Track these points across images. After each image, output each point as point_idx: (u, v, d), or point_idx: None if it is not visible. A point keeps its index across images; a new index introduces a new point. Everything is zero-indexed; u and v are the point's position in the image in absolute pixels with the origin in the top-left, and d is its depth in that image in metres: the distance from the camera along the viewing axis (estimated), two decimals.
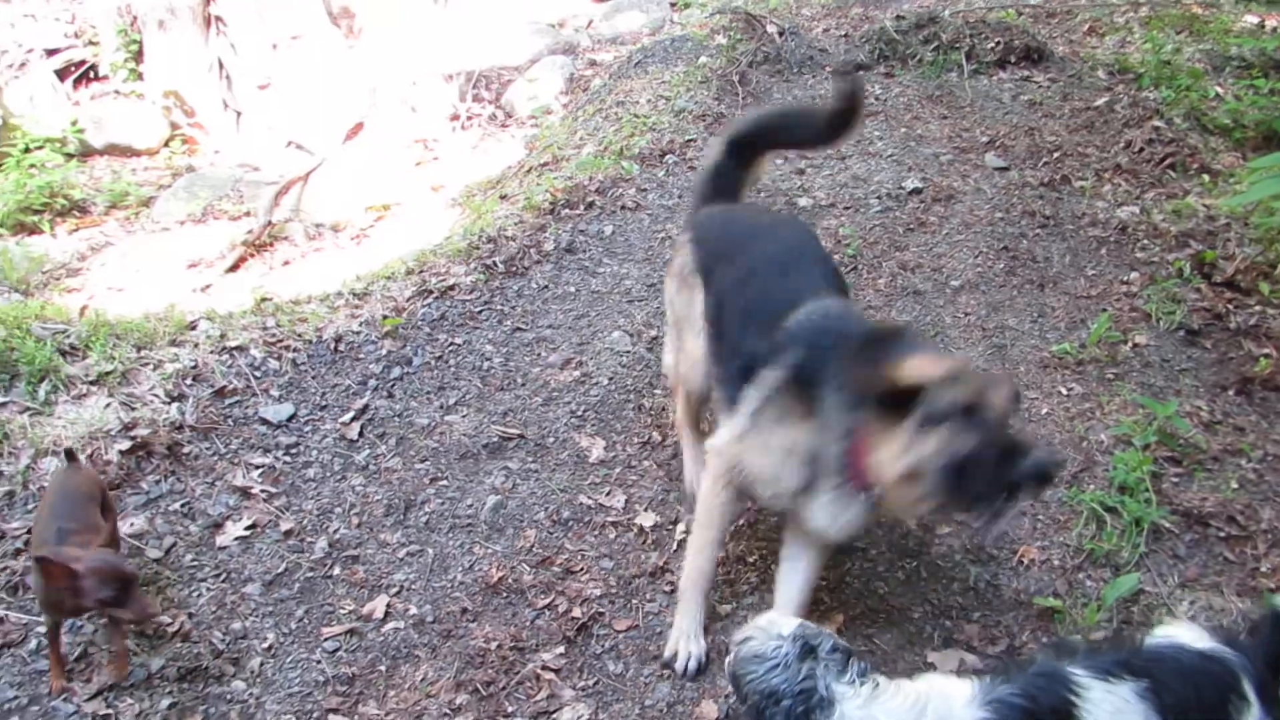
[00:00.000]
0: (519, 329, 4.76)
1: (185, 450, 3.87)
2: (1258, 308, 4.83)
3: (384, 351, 4.50)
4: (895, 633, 3.33)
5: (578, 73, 9.19)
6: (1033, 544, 3.59)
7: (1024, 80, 7.30)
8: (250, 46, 9.16)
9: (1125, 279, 5.09)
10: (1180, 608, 3.34)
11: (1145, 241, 5.38)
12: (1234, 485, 3.85)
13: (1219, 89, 7.19)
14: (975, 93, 7.12)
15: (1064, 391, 4.34)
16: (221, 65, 9.18)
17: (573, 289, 5.07)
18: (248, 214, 7.68)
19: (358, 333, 4.57)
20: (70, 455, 3.27)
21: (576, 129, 7.31)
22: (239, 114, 9.24)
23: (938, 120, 6.84)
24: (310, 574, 3.51)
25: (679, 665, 3.14)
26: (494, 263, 5.16)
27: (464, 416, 4.22)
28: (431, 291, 4.90)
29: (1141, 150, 6.37)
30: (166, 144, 9.11)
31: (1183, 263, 5.11)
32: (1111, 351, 4.54)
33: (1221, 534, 3.64)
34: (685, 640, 3.16)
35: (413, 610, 3.38)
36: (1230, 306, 4.84)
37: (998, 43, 7.50)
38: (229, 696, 3.08)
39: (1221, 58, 7.60)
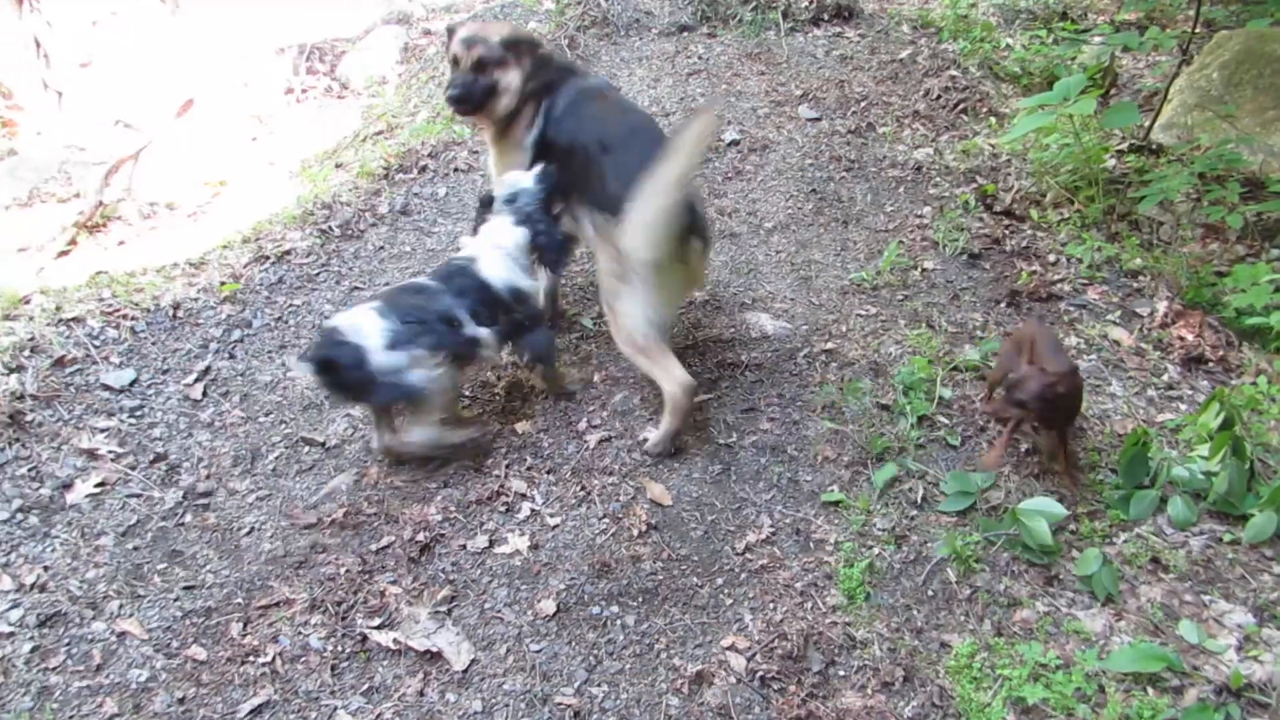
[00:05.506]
0: (357, 288, 4.95)
1: (28, 418, 3.96)
2: (1029, 231, 5.44)
3: (224, 316, 4.65)
4: (707, 526, 3.71)
5: (412, 42, 9.26)
6: (825, 445, 4.03)
7: (836, 36, 7.78)
8: (68, 23, 8.89)
9: (919, 213, 5.62)
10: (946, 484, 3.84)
11: (937, 179, 5.93)
12: None
13: (1009, 40, 7.86)
14: (791, 49, 7.56)
15: (861, 314, 4.81)
16: (38, 44, 8.89)
17: (408, 248, 5.29)
18: (77, 195, 7.52)
19: (196, 299, 4.70)
20: None
21: (411, 97, 7.46)
22: (60, 94, 8.94)
23: (756, 76, 7.25)
24: (162, 524, 3.68)
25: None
26: (329, 227, 5.32)
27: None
28: (268, 257, 5.04)
29: (939, 98, 6.94)
30: None
31: (968, 196, 5.68)
32: (902, 277, 5.05)
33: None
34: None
35: (265, 547, 3.59)
36: (1007, 232, 5.42)
37: (812, 1, 7.97)
38: (90, 637, 3.24)
39: (1012, 11, 8.30)
